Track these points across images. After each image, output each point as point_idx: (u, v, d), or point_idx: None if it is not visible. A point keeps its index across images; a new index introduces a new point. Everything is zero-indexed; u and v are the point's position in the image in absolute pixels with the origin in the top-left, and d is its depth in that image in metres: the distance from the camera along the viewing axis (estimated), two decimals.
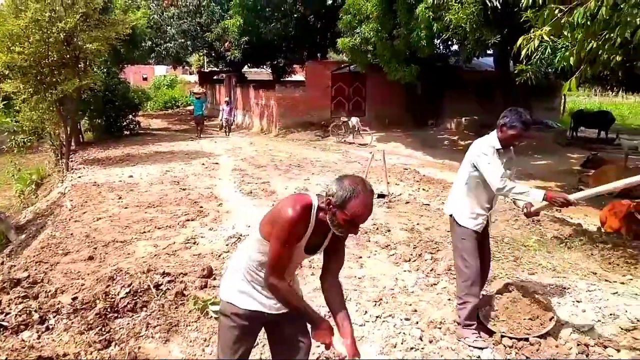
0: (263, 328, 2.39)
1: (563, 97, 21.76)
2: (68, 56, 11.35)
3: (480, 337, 3.44)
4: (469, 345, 3.38)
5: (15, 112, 11.44)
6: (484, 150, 3.29)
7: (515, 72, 8.08)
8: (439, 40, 12.72)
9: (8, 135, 11.93)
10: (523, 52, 4.32)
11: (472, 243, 3.45)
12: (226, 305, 2.25)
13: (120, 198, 7.70)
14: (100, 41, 11.42)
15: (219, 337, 2.33)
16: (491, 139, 3.34)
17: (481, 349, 3.35)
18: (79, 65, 11.96)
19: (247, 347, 2.31)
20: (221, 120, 18.61)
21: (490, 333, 3.51)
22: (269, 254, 2.07)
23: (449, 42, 14.78)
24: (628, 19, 3.54)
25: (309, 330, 2.23)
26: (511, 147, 3.38)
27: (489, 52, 14.59)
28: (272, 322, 2.30)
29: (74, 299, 4.00)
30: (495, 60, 16.03)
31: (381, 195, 7.67)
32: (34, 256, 5.22)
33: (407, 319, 3.80)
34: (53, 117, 11.49)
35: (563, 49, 5.96)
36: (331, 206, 1.98)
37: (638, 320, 3.33)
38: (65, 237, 5.84)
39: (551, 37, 4.39)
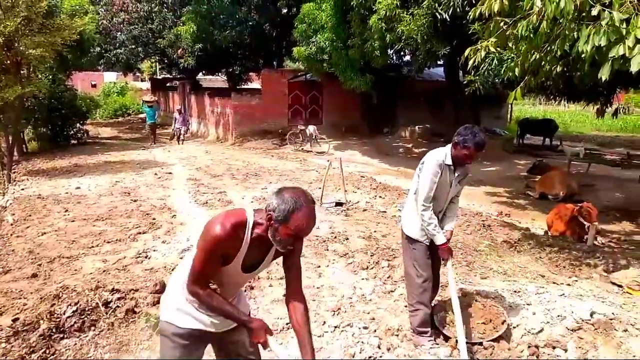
0: (210, 346, 2.30)
1: (510, 106, 22.77)
2: (9, 62, 10.76)
3: (437, 343, 3.50)
4: (428, 353, 3.43)
5: None
6: (430, 166, 3.30)
7: (465, 82, 8.39)
8: (392, 51, 12.99)
9: None
10: (470, 63, 4.48)
11: (423, 252, 3.49)
12: (165, 325, 2.14)
13: (66, 211, 7.32)
14: (44, 47, 10.89)
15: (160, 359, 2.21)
16: (441, 154, 3.33)
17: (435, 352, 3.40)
18: (22, 72, 11.37)
19: None
20: (173, 130, 18.20)
21: (446, 338, 3.58)
22: (192, 264, 2.00)
23: (402, 53, 15.15)
24: (567, 33, 3.74)
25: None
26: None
27: (439, 62, 15.05)
28: (217, 340, 2.23)
29: (15, 320, 3.74)
30: (446, 71, 16.56)
31: (339, 204, 7.71)
32: None
33: (365, 328, 3.81)
34: None
35: (508, 60, 6.23)
36: (272, 221, 1.89)
37: (583, 320, 3.49)
38: (6, 254, 5.48)
39: (497, 48, 4.57)
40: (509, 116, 23.38)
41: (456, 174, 3.38)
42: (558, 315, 3.57)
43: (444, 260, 3.46)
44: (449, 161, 3.31)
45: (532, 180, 10.40)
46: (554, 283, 4.50)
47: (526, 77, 4.99)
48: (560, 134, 18.35)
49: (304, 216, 1.88)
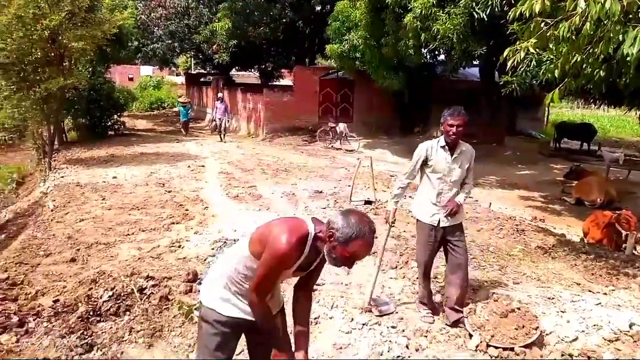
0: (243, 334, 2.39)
1: (546, 108, 22.16)
2: (52, 54, 11.18)
3: (432, 318, 3.90)
4: (420, 319, 3.87)
5: None
6: (419, 146, 3.83)
7: (501, 83, 8.22)
8: (426, 50, 12.82)
9: None
10: (509, 64, 4.40)
11: (424, 237, 3.84)
12: (208, 311, 2.23)
13: (103, 199, 7.57)
14: (86, 40, 11.27)
15: (199, 344, 2.32)
16: (439, 138, 3.83)
17: (429, 323, 3.83)
18: (64, 64, 11.77)
19: (229, 354, 2.29)
20: (214, 121, 17.37)
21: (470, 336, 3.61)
22: (256, 275, 2.08)
23: (436, 52, 14.93)
24: (611, 35, 3.62)
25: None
26: (460, 142, 3.75)
27: (475, 62, 14.79)
28: (252, 329, 2.30)
29: (55, 301, 3.91)
30: (481, 71, 16.26)
31: (368, 202, 7.69)
32: (13, 257, 5.10)
33: (393, 327, 3.80)
34: (36, 116, 11.29)
35: (548, 62, 6.08)
36: (333, 240, 1.99)
37: (620, 331, 3.38)
38: (46, 238, 5.72)
39: (537, 49, 4.47)
40: (545, 119, 22.77)
41: (453, 156, 3.74)
42: (594, 325, 3.47)
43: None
44: (442, 142, 3.75)
45: (569, 186, 10.11)
46: (589, 291, 4.38)
47: (566, 80, 4.85)
48: (598, 139, 17.76)
49: (364, 245, 2.00)
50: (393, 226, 4.06)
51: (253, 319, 2.21)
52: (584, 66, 4.43)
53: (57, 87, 10.76)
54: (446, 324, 3.84)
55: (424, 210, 3.83)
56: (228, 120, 17.36)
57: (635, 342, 3.28)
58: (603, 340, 3.33)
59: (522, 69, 7.72)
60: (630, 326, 3.39)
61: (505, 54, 4.40)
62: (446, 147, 3.72)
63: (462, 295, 3.84)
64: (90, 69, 16.01)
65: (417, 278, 4.10)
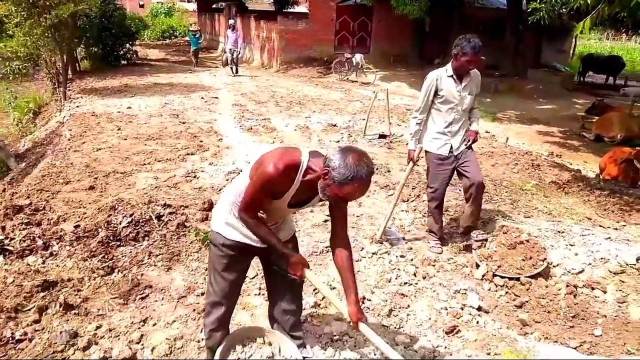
0: (259, 259, 2.48)
1: (574, 40, 21.11)
2: None
3: (440, 247, 4.02)
4: (428, 249, 4.00)
5: (8, 38, 11.07)
6: (424, 82, 3.71)
7: (529, 10, 7.79)
8: None
9: (2, 62, 11.61)
10: None
11: (435, 167, 3.86)
12: (215, 234, 2.32)
13: (119, 129, 7.63)
14: None
15: (210, 266, 2.42)
16: (440, 70, 3.70)
17: (437, 253, 3.96)
18: None
19: (237, 276, 2.38)
20: (224, 52, 15.97)
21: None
22: (245, 193, 2.12)
23: None
24: None
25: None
26: (470, 72, 3.62)
27: None
28: (263, 255, 2.39)
29: (76, 227, 4.06)
30: None
31: (382, 136, 7.63)
32: (35, 184, 5.24)
33: (402, 256, 3.90)
34: (48, 44, 11.14)
35: None
36: (327, 178, 1.93)
37: (627, 264, 3.42)
38: (65, 167, 5.84)
39: None
40: (571, 51, 21.75)
41: (463, 84, 3.64)
42: (601, 258, 3.51)
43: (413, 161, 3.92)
44: (450, 72, 3.62)
45: (589, 121, 9.84)
46: (600, 226, 4.39)
47: (599, 7, 4.57)
48: (626, 73, 17.01)
49: (358, 187, 1.92)
50: (417, 165, 4.04)
51: (258, 245, 2.27)
52: None
53: (67, 14, 10.53)
54: (462, 245, 4.01)
55: (434, 141, 3.83)
56: (239, 51, 15.53)
57: None
58: (608, 272, 3.38)
59: None
60: (637, 259, 3.41)
61: None
62: (454, 76, 3.63)
63: (475, 212, 3.91)
64: None
65: (428, 210, 4.14)
